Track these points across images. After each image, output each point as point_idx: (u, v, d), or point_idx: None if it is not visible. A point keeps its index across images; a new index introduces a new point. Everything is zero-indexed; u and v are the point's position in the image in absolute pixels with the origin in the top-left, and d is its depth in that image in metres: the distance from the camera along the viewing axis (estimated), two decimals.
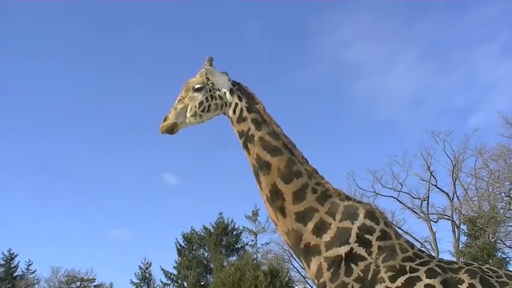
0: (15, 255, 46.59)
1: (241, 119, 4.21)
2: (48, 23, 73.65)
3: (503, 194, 30.30)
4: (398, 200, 36.60)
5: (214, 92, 4.31)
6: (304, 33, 72.09)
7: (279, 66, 70.28)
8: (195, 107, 4.28)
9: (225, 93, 4.31)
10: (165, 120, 4.34)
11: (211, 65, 4.37)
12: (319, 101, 66.34)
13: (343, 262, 3.57)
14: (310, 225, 3.81)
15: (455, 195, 35.47)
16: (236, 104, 4.25)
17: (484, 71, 62.36)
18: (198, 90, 4.31)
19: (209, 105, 4.29)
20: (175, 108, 4.33)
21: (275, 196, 3.95)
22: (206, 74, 4.36)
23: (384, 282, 3.44)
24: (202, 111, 4.29)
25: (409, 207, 36.29)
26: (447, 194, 35.74)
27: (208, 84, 4.33)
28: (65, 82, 70.95)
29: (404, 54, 66.86)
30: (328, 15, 69.75)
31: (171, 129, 4.32)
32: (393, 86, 62.81)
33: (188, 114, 4.30)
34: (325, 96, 68.03)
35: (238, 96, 4.28)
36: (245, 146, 4.18)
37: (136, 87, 70.97)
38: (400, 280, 3.43)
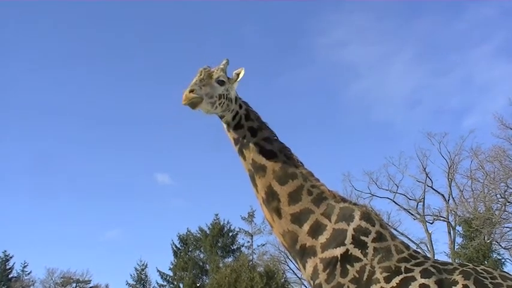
0: (11, 257, 46.46)
1: (238, 126, 4.24)
2: (48, 23, 73.49)
3: (498, 196, 30.49)
4: (394, 201, 36.60)
5: (229, 93, 4.27)
6: (300, 34, 72.10)
7: (275, 67, 70.37)
8: (216, 96, 4.11)
9: (234, 98, 4.30)
10: (191, 91, 3.96)
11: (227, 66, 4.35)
12: (315, 102, 66.30)
13: (338, 263, 3.60)
14: (306, 227, 3.83)
15: (450, 197, 35.56)
16: (237, 112, 4.28)
17: (480, 72, 62.48)
18: (221, 83, 4.18)
19: (223, 102, 4.17)
20: (203, 86, 4.06)
21: (271, 197, 3.98)
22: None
23: (379, 282, 3.47)
24: (219, 104, 4.14)
25: (404, 209, 36.30)
26: (443, 195, 35.82)
27: (228, 82, 4.27)
28: (64, 82, 70.60)
29: (401, 55, 67.05)
30: (324, 15, 69.74)
31: (195, 104, 3.99)
32: (389, 86, 62.63)
33: (208, 99, 4.06)
34: (321, 97, 68.05)
35: (240, 105, 4.31)
36: (241, 153, 4.21)
37: (134, 88, 70.79)
38: (395, 280, 3.46)
